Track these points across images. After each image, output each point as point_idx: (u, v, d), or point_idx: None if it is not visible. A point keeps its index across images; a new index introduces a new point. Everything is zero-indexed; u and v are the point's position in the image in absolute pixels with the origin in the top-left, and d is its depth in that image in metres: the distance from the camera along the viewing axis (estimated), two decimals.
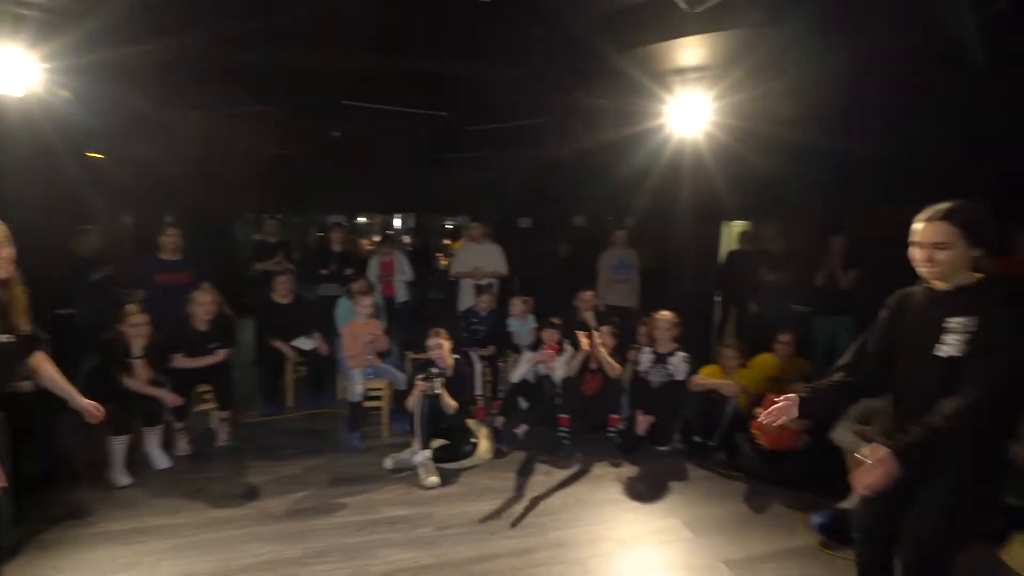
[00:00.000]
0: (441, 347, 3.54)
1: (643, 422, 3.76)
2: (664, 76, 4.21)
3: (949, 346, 1.56)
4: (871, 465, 1.53)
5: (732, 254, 6.95)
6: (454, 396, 3.44)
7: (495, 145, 7.37)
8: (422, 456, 3.26)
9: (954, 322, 1.56)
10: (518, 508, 2.94)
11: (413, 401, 3.42)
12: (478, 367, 4.25)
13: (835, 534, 2.65)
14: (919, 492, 1.63)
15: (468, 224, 5.36)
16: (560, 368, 4.02)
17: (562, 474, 3.38)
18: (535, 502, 3.01)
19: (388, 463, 3.36)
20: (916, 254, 1.63)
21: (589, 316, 4.65)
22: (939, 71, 3.69)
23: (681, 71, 4.22)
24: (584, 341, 3.80)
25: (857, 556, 1.88)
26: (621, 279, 5.45)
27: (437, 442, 3.42)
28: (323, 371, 4.62)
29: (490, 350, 4.53)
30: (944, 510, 1.60)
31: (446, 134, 7.35)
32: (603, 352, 3.81)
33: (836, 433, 3.01)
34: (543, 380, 4.11)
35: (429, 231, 11.77)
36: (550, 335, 4.15)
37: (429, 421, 3.34)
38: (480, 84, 5.24)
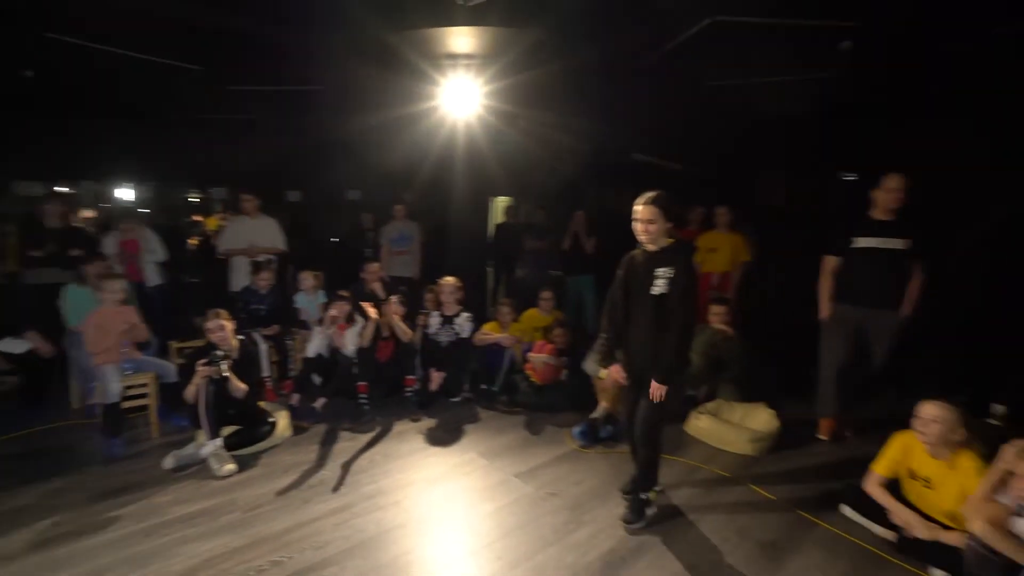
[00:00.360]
0: (223, 328, 3.27)
1: (436, 378, 4.13)
2: (437, 60, 4.47)
3: (658, 287, 2.33)
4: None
5: (500, 227, 7.78)
6: (242, 379, 3.25)
7: (260, 110, 6.68)
8: (212, 446, 3.03)
9: (660, 271, 2.34)
10: (328, 474, 3.01)
11: (194, 390, 3.12)
12: (263, 348, 4.03)
13: (589, 438, 3.44)
14: (642, 391, 2.42)
15: (241, 196, 4.86)
16: (351, 341, 4.09)
17: (366, 437, 3.52)
18: (344, 466, 3.11)
19: (169, 462, 3.01)
20: (637, 227, 2.38)
21: (377, 287, 4.78)
22: (663, 78, 4.80)
23: (453, 56, 4.53)
24: (372, 312, 3.96)
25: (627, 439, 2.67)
26: (403, 251, 5.67)
27: (227, 430, 3.20)
28: (44, 377, 3.78)
29: (274, 329, 4.30)
30: (655, 400, 2.39)
31: (199, 92, 6.34)
32: (396, 320, 4.03)
33: (586, 365, 3.83)
34: (336, 353, 4.12)
35: (171, 204, 10.00)
36: (340, 308, 4.16)
37: (216, 408, 3.10)
38: (244, 41, 4.70)
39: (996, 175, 4.09)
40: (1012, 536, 1.70)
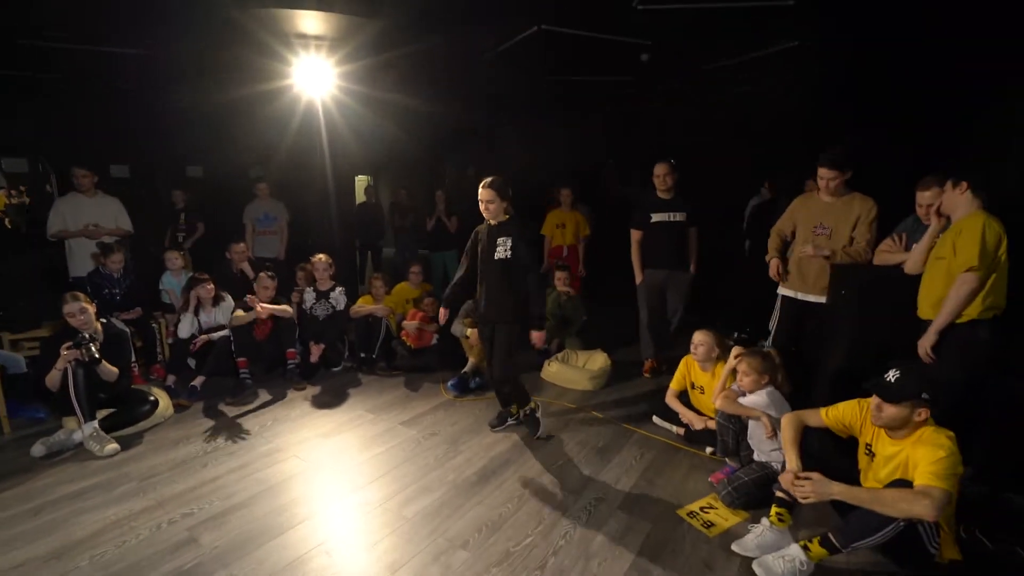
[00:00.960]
0: (85, 311, 3.19)
1: (316, 351, 4.37)
2: (288, 38, 4.52)
3: (499, 253, 2.97)
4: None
5: (360, 206, 7.92)
6: (111, 362, 3.22)
7: (73, 71, 5.92)
8: (88, 428, 3.01)
9: (500, 240, 2.98)
10: (220, 441, 3.18)
11: (58, 375, 3.04)
12: (127, 334, 3.89)
13: (460, 389, 4.01)
14: (497, 337, 3.08)
15: (76, 172, 4.43)
16: (224, 320, 4.14)
17: (253, 407, 3.70)
18: (236, 433, 3.29)
19: (38, 450, 2.94)
20: (480, 206, 3.00)
21: (245, 267, 4.79)
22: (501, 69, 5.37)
23: (303, 36, 4.61)
24: (259, 309, 4.01)
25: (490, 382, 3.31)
26: (268, 231, 5.63)
27: (102, 413, 3.17)
28: None
29: (135, 312, 4.15)
30: (506, 342, 3.05)
31: None
32: (270, 308, 4.11)
33: (453, 328, 4.37)
34: (211, 331, 4.14)
35: None
36: (206, 291, 4.16)
37: (88, 392, 3.07)
38: None
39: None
40: (739, 405, 2.63)
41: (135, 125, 7.07)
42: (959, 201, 2.45)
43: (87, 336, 3.07)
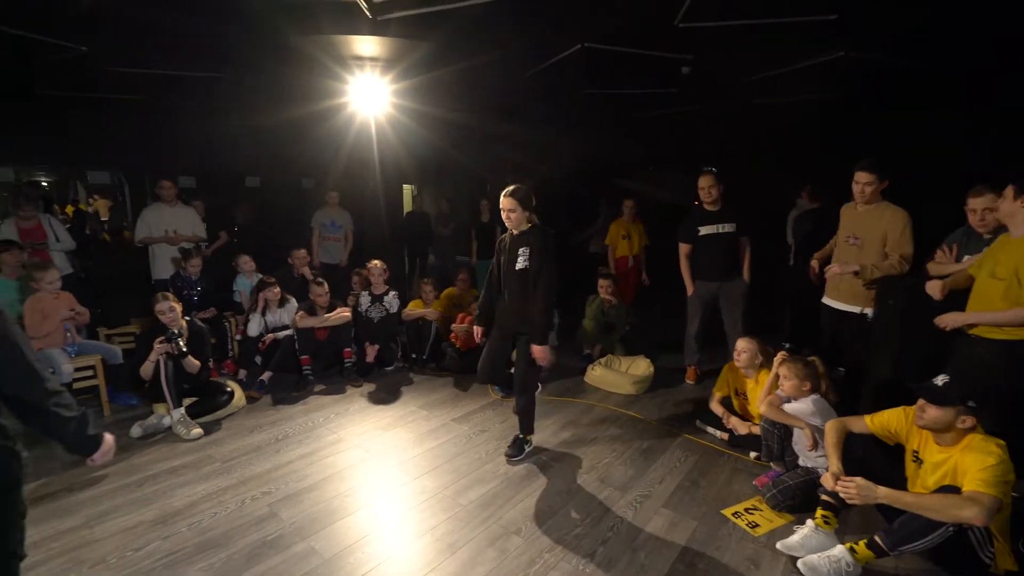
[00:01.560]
0: (174, 310, 3.54)
1: (371, 351, 4.65)
2: (345, 60, 4.85)
3: (520, 263, 2.86)
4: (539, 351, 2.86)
5: (408, 215, 8.26)
6: (193, 356, 3.56)
7: (148, 92, 6.48)
8: (177, 414, 3.34)
9: (520, 250, 2.86)
10: (290, 430, 3.46)
11: (151, 367, 3.39)
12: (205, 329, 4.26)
13: (508, 389, 4.18)
14: (519, 348, 3.02)
15: (160, 184, 4.87)
16: (287, 319, 4.48)
17: (316, 400, 3.99)
18: (304, 423, 3.57)
19: (136, 431, 3.29)
20: (503, 215, 2.89)
21: (306, 271, 5.14)
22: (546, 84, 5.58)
23: (359, 58, 4.93)
24: (345, 312, 4.42)
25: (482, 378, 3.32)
26: (334, 237, 5.97)
27: (187, 401, 3.50)
28: None
29: (211, 312, 4.53)
30: (528, 357, 2.95)
31: (76, 71, 5.98)
32: (332, 321, 4.42)
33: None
34: (277, 331, 4.47)
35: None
36: (273, 294, 4.51)
37: (176, 381, 3.40)
38: (129, 21, 4.63)
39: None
40: (783, 412, 2.70)
41: (202, 140, 7.64)
42: (1020, 213, 2.36)
43: (175, 332, 3.41)
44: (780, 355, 2.83)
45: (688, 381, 4.42)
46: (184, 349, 3.41)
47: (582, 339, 4.92)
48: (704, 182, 3.95)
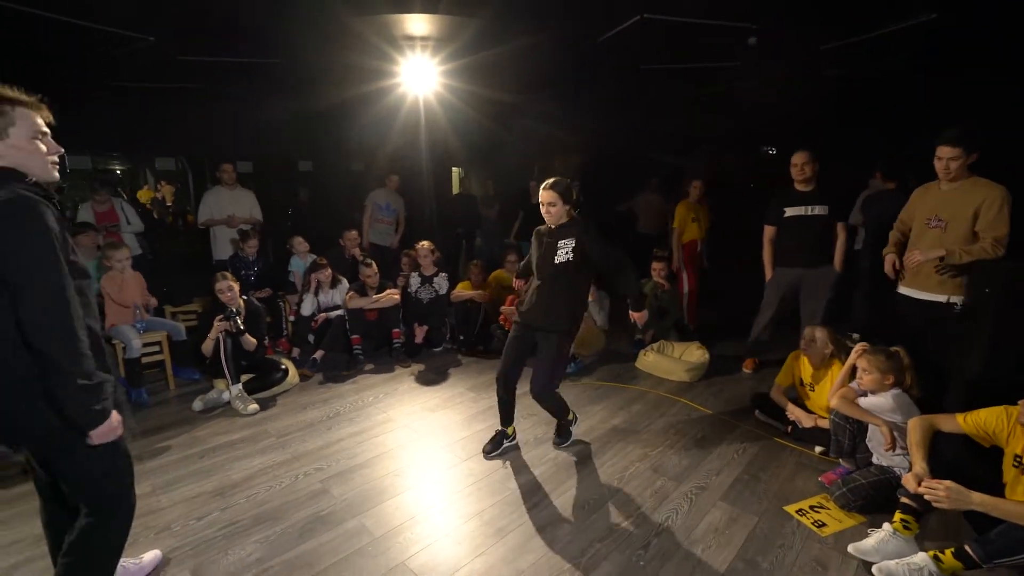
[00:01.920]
0: (232, 289, 3.65)
1: (420, 332, 4.67)
2: (396, 41, 4.80)
3: (560, 256, 2.66)
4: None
5: (456, 197, 8.23)
6: (250, 334, 3.66)
7: (209, 79, 6.70)
8: (236, 389, 3.46)
9: (562, 243, 2.67)
10: (342, 408, 3.53)
11: (211, 344, 3.51)
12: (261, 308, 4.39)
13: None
14: (543, 346, 2.79)
15: (221, 167, 5.03)
16: (339, 298, 4.56)
17: (367, 379, 4.04)
18: (354, 401, 3.63)
19: (198, 404, 3.43)
20: (541, 209, 2.71)
21: (357, 252, 5.20)
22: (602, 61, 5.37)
23: (410, 38, 4.88)
24: (395, 295, 4.46)
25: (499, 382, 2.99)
26: (385, 220, 6.02)
27: (244, 377, 3.62)
28: None
29: (266, 292, 4.66)
30: (553, 355, 2.76)
31: (145, 61, 6.26)
32: (381, 303, 4.46)
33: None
34: (329, 311, 4.56)
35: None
36: (325, 275, 4.59)
37: (235, 358, 3.52)
38: (198, 11, 4.79)
39: None
40: (858, 407, 2.49)
41: (259, 126, 7.86)
42: None
43: (234, 311, 3.52)
44: (860, 346, 2.61)
45: (745, 370, 4.20)
46: (242, 327, 3.51)
47: (634, 324, 4.75)
48: (798, 159, 3.60)
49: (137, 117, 7.14)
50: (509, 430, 3.04)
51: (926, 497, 1.92)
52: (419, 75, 5.23)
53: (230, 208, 5.03)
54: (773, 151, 8.94)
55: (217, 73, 6.12)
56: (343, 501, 2.48)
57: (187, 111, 7.32)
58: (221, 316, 3.49)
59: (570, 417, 3.08)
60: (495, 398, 3.68)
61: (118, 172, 10.85)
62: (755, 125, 7.49)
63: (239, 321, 3.50)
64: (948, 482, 1.90)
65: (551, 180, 2.71)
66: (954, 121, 2.79)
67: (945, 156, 2.73)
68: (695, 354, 4.23)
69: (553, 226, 2.74)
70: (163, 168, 10.67)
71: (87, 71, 5.96)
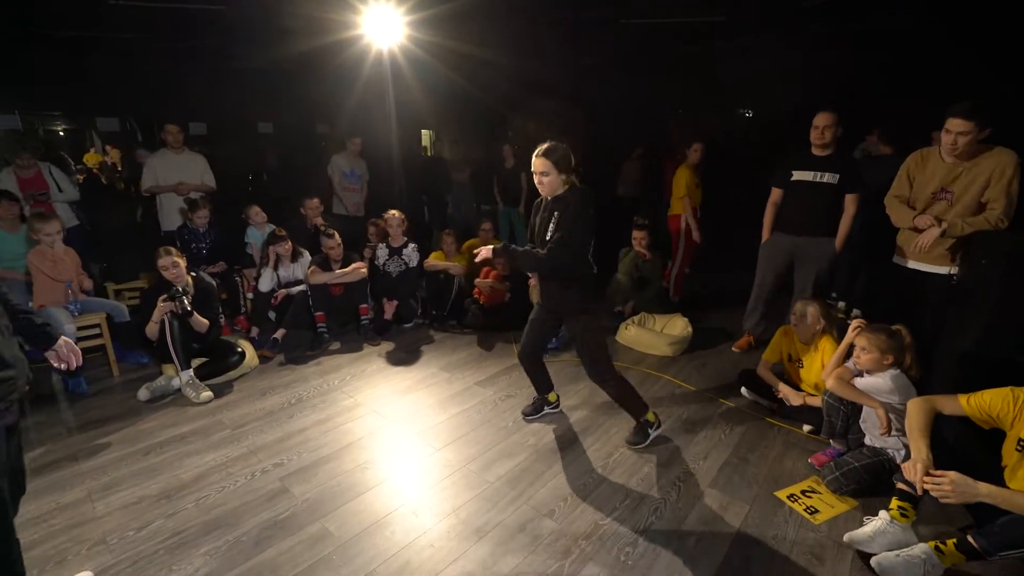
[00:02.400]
0: (177, 265, 3.30)
1: (389, 308, 4.40)
2: None
3: (552, 231, 2.36)
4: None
5: (426, 160, 7.82)
6: (201, 314, 3.34)
7: (153, 30, 6.05)
8: (186, 376, 3.16)
9: (555, 215, 2.37)
10: (304, 393, 3.27)
11: (156, 327, 3.19)
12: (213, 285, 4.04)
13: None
14: (571, 332, 2.59)
15: (166, 128, 4.55)
16: (300, 273, 4.24)
17: (332, 360, 3.78)
18: (318, 386, 3.38)
19: (143, 394, 3.13)
20: (535, 179, 2.39)
21: (320, 222, 4.84)
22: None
23: None
24: (361, 268, 4.16)
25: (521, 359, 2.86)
26: (353, 187, 5.61)
27: (196, 362, 3.32)
28: None
29: (220, 266, 4.30)
30: (586, 337, 2.54)
31: (76, 7, 5.57)
32: (347, 278, 4.16)
33: (532, 294, 4.24)
34: (290, 286, 4.24)
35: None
36: (285, 249, 4.24)
37: (183, 342, 3.20)
38: None
39: None
40: (853, 388, 2.37)
41: (211, 84, 7.24)
42: None
43: (180, 289, 3.18)
44: (856, 322, 2.47)
45: (735, 349, 3.97)
46: (189, 308, 3.19)
47: (614, 294, 4.58)
48: (821, 120, 3.26)
49: (71, 71, 6.47)
50: (551, 397, 3.02)
51: (929, 491, 1.80)
52: (383, 26, 4.78)
53: (177, 174, 4.58)
54: (749, 113, 8.73)
55: (158, 22, 5.52)
56: (304, 502, 2.27)
57: (130, 66, 6.67)
58: (164, 296, 3.15)
59: (650, 418, 2.71)
60: (470, 378, 3.54)
61: (61, 133, 10.02)
62: (736, 86, 7.24)
63: (186, 301, 3.17)
64: (953, 474, 1.78)
65: (544, 146, 2.35)
66: (960, 84, 2.60)
67: (955, 130, 2.51)
68: (678, 326, 4.09)
69: (549, 198, 2.44)
70: (107, 129, 9.87)
71: (7, 20, 5.29)
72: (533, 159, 2.36)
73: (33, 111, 8.33)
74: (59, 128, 10.07)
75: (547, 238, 2.39)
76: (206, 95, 7.45)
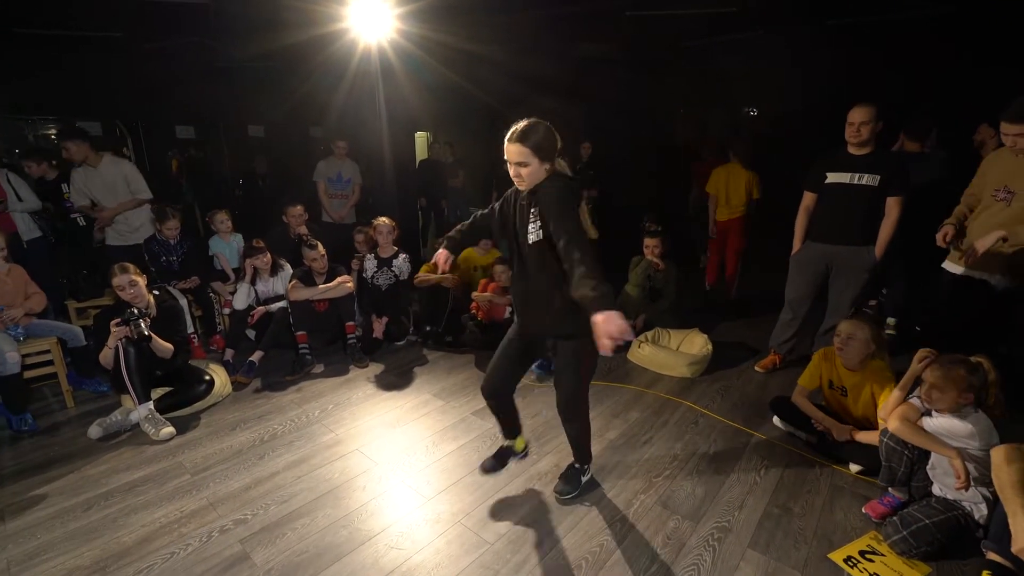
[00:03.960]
0: (136, 284, 2.93)
1: (379, 325, 4.02)
2: None
3: (533, 234, 1.88)
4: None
5: (423, 163, 7.47)
6: (165, 337, 2.97)
7: (129, 26, 5.69)
8: (144, 410, 2.78)
9: (532, 213, 1.87)
10: (279, 428, 2.89)
11: (110, 353, 2.81)
12: (184, 302, 3.66)
13: (544, 370, 3.54)
14: (559, 356, 2.06)
15: (64, 146, 3.76)
16: (281, 288, 3.87)
17: (314, 386, 3.40)
18: (295, 418, 3.00)
19: (95, 431, 2.75)
20: (510, 171, 1.86)
21: (303, 230, 4.47)
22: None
23: None
24: (349, 283, 3.79)
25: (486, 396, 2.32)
26: (341, 193, 5.25)
27: (159, 391, 2.95)
28: None
29: (193, 281, 3.92)
30: (572, 363, 2.05)
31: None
32: (330, 293, 3.78)
33: None
34: (269, 302, 3.87)
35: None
36: (263, 260, 3.87)
37: (141, 371, 2.82)
38: None
39: None
40: (921, 431, 2.00)
41: (197, 86, 6.90)
42: None
43: (136, 312, 2.81)
44: (923, 352, 2.09)
45: (758, 369, 3.58)
46: (146, 332, 2.80)
47: (623, 308, 4.19)
48: (857, 115, 2.87)
49: (46, 71, 6.12)
50: (518, 444, 2.46)
51: None
52: (370, 19, 4.42)
53: (105, 192, 3.86)
54: (754, 112, 8.40)
55: (139, 17, 5.17)
56: (267, 573, 1.88)
57: (112, 66, 6.32)
58: (118, 320, 2.77)
59: (587, 465, 2.37)
60: (467, 407, 3.16)
61: (54, 138, 9.64)
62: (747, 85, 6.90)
63: (143, 325, 2.79)
64: None
65: (519, 128, 1.83)
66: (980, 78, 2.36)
67: (1011, 133, 2.34)
68: (696, 344, 3.71)
69: (524, 193, 1.93)
70: (92, 133, 9.52)
71: None
72: (506, 144, 1.83)
73: (16, 115, 7.98)
74: (51, 133, 9.71)
75: (529, 240, 1.89)
76: (193, 97, 7.12)
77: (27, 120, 8.19)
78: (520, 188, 1.93)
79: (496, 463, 2.41)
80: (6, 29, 5.43)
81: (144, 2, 4.70)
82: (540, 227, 1.85)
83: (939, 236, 2.62)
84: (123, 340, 2.78)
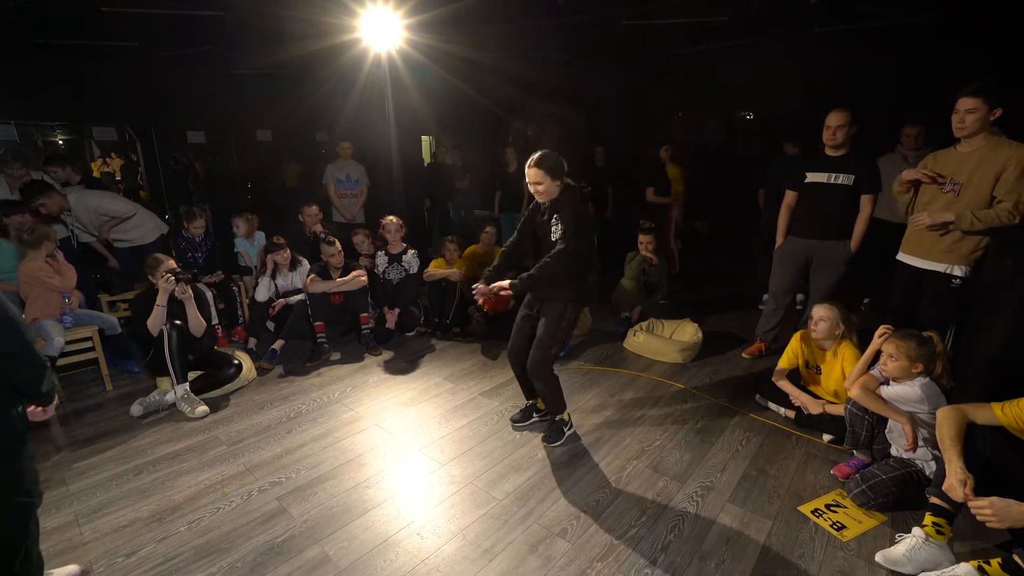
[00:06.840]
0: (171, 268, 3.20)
1: (391, 317, 4.29)
2: None
3: (555, 234, 2.46)
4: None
5: (430, 166, 7.74)
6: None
7: (150, 37, 5.97)
8: (180, 390, 3.05)
9: (555, 218, 2.48)
10: (303, 407, 3.16)
11: (160, 312, 3.09)
12: (208, 295, 3.92)
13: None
14: (543, 315, 2.60)
15: (48, 171, 4.21)
16: (299, 282, 4.13)
17: (332, 371, 3.67)
18: (318, 398, 3.26)
19: (136, 409, 3.02)
20: (530, 188, 2.49)
21: (319, 229, 4.74)
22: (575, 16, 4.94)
23: None
24: (363, 278, 4.10)
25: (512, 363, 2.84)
26: (350, 193, 5.52)
27: (191, 375, 3.21)
28: None
29: (217, 276, 4.20)
30: (553, 324, 2.55)
31: (63, 12, 5.48)
32: (346, 287, 4.04)
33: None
34: (289, 295, 4.14)
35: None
36: (283, 257, 4.13)
37: (182, 354, 3.10)
38: None
39: None
40: (879, 399, 2.26)
41: (209, 91, 7.18)
42: None
43: (182, 272, 3.12)
44: (883, 328, 2.35)
45: (744, 356, 3.84)
46: (188, 293, 3.13)
47: (619, 300, 4.48)
48: (834, 119, 3.12)
49: (68, 81, 6.40)
50: (540, 403, 2.94)
51: (974, 514, 1.68)
52: (381, 30, 4.70)
53: (85, 212, 4.10)
54: (750, 116, 8.67)
55: (160, 28, 5.44)
56: (303, 523, 2.15)
57: (129, 74, 6.60)
58: (168, 272, 3.06)
59: (565, 417, 2.78)
60: (475, 388, 3.42)
61: (60, 143, 9.94)
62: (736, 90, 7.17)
63: (186, 284, 3.10)
64: (994, 499, 1.66)
65: (536, 156, 2.47)
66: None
67: (963, 108, 2.48)
68: (687, 332, 3.97)
69: (546, 203, 2.57)
70: (105, 139, 9.82)
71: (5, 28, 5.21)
72: (527, 170, 2.48)
73: (27, 119, 8.27)
74: (58, 138, 10.00)
75: (552, 239, 2.50)
76: (204, 103, 7.39)
77: (36, 126, 8.49)
78: (540, 201, 2.57)
79: (523, 416, 2.95)
80: (27, 41, 5.71)
81: (161, 15, 4.98)
82: (559, 228, 2.48)
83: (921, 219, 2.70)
84: (175, 280, 3.09)
